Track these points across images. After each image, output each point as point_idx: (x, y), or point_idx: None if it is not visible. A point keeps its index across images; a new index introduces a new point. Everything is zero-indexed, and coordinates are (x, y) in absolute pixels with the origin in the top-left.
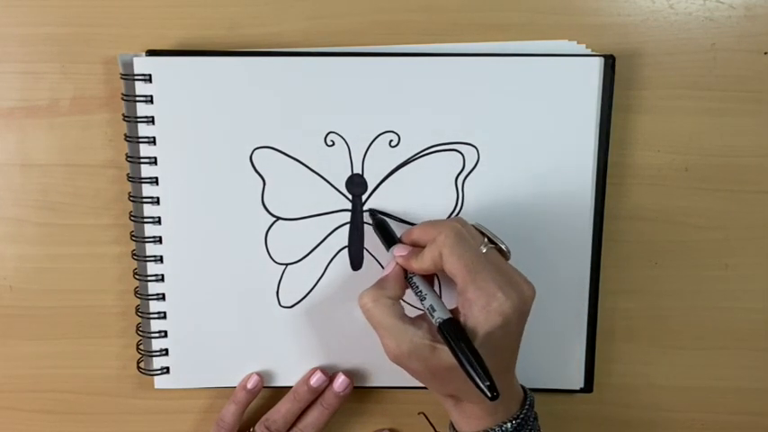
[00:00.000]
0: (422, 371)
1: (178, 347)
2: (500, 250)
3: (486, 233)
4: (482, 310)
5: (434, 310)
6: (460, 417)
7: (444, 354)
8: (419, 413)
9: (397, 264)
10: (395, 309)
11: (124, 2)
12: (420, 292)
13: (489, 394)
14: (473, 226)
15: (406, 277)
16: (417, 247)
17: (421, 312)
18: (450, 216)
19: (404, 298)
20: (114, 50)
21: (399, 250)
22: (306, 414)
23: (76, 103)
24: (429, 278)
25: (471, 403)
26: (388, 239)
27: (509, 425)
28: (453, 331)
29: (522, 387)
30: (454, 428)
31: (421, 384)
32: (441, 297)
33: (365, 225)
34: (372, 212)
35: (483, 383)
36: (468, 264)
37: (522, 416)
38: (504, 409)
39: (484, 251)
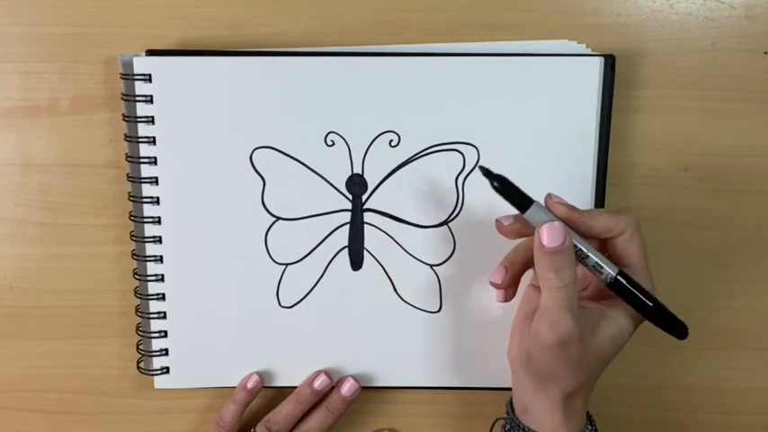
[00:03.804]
0: (577, 356)
1: (178, 347)
2: None
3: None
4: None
5: (602, 267)
6: (567, 414)
7: (604, 331)
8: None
9: (564, 241)
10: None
11: (124, 2)
12: (581, 250)
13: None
14: None
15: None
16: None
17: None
18: (450, 216)
19: None
20: (114, 50)
21: (562, 207)
22: (309, 416)
23: (76, 103)
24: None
25: (581, 400)
26: (520, 199)
27: None
28: (631, 280)
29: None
30: (514, 412)
31: (420, 384)
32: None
33: (365, 225)
34: (486, 171)
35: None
36: (645, 251)
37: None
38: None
39: None
